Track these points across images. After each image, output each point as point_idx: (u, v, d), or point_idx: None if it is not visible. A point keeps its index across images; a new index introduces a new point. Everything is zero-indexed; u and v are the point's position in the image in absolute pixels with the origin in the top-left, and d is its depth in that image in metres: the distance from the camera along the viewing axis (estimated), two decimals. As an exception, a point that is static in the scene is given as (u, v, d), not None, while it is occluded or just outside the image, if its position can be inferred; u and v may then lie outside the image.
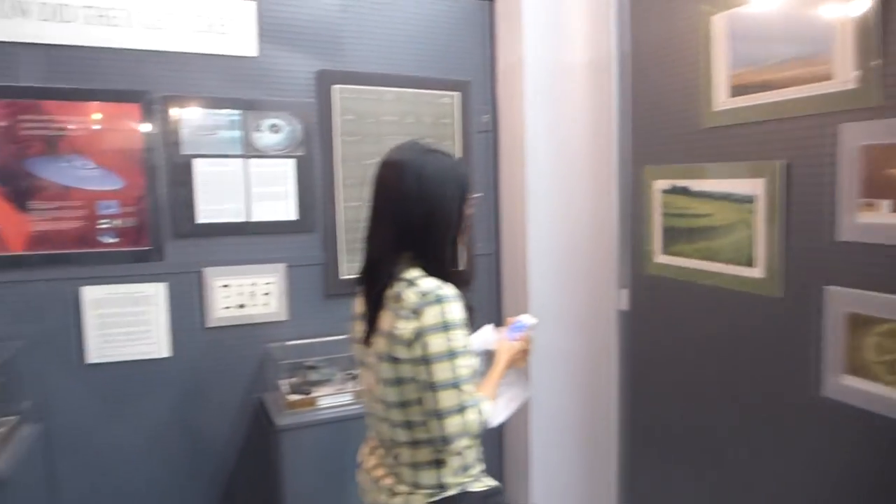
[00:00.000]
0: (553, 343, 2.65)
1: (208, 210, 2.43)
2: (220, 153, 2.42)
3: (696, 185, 2.20)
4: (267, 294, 2.53)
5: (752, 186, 1.96)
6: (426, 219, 1.36)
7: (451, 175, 1.39)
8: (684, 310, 2.30)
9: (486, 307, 2.89)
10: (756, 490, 2.06)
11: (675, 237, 2.30)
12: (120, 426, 2.41)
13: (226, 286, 2.47)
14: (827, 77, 1.72)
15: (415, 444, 1.39)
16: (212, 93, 2.41)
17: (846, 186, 1.68)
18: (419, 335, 1.28)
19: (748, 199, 1.98)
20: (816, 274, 1.79)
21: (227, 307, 2.48)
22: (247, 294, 2.50)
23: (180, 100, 2.36)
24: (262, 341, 2.55)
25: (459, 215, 1.41)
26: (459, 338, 1.30)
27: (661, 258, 2.38)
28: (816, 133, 1.76)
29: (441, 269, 1.37)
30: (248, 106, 2.46)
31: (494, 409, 1.44)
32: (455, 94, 2.80)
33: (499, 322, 1.91)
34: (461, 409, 1.29)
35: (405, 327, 1.29)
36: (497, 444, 2.95)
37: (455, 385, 1.28)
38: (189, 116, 2.38)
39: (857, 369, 1.66)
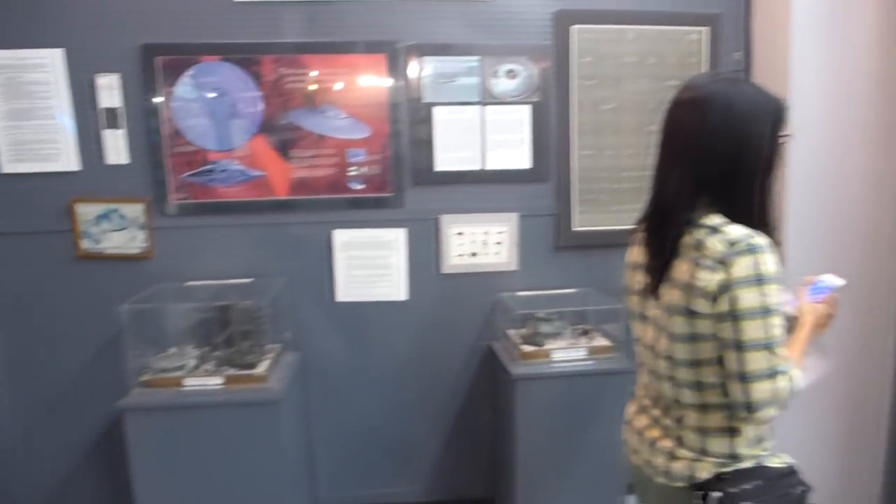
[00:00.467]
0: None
1: (445, 158, 2.45)
2: (459, 101, 2.42)
3: None
4: (499, 243, 2.52)
5: None
6: (734, 160, 1.20)
7: (765, 109, 1.21)
8: None
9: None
10: None
11: None
12: (361, 360, 2.58)
13: (460, 234, 2.50)
14: None
15: (704, 407, 1.26)
16: (452, 39, 2.41)
17: None
18: (727, 288, 1.14)
19: None
20: None
21: (461, 255, 2.52)
22: (479, 243, 2.52)
23: (422, 48, 2.39)
24: (492, 290, 2.56)
25: (771, 155, 1.22)
26: (773, 294, 1.14)
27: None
28: None
29: (747, 215, 1.21)
30: (486, 52, 2.41)
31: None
32: (703, 29, 2.52)
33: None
34: (772, 374, 1.14)
35: (709, 279, 1.16)
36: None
37: (767, 346, 1.13)
38: (430, 65, 2.40)
39: None
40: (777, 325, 1.14)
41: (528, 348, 2.33)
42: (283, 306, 2.47)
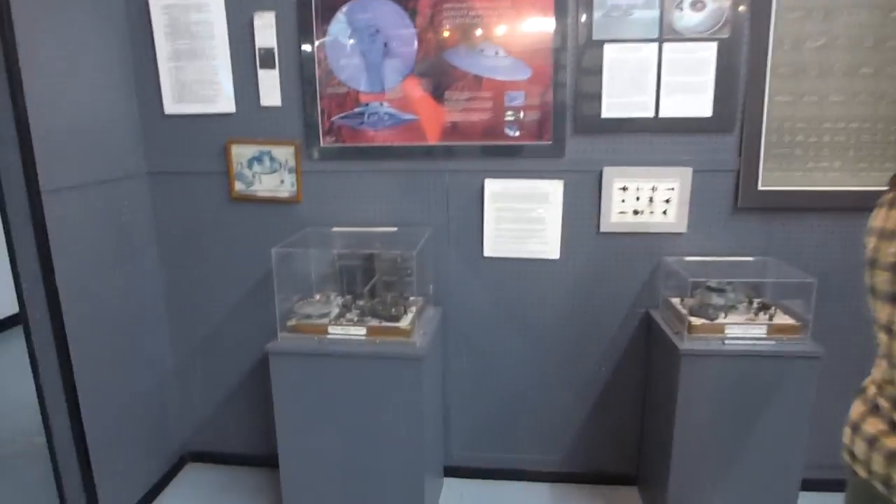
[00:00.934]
0: None
1: (614, 103, 2.19)
2: (633, 37, 2.14)
3: None
4: (667, 201, 2.25)
5: None
6: None
7: None
8: None
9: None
10: None
11: None
12: (505, 320, 2.44)
13: (623, 189, 2.25)
14: None
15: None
16: (629, -34, 2.12)
17: None
18: None
19: None
20: None
21: (623, 212, 2.27)
22: (644, 199, 2.25)
23: (594, -23, 2.12)
24: (656, 253, 2.30)
25: None
26: None
27: None
28: None
29: None
30: (668, -20, 2.10)
31: None
32: (946, -53, 2.04)
33: None
34: None
35: None
36: None
37: None
38: (602, -4, 2.13)
39: None
40: None
41: (697, 321, 2.06)
42: (428, 258, 2.36)
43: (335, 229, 2.40)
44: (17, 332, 4.23)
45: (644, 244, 2.30)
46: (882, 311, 1.17)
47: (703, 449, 2.07)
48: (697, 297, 2.15)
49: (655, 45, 2.13)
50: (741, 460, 2.07)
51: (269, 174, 2.41)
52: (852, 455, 1.23)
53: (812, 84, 2.11)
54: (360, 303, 2.27)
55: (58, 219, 1.99)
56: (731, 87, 2.14)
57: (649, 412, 2.38)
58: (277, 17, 2.27)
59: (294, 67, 2.30)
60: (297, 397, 2.13)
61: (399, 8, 2.20)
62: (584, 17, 2.14)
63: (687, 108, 2.17)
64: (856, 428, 1.23)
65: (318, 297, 2.33)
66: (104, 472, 2.22)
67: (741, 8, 2.09)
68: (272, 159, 2.40)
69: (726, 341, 2.02)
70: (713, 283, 2.15)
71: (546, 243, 2.33)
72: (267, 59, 2.31)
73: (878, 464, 1.14)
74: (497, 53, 2.19)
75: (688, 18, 2.11)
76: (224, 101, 2.36)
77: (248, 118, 2.37)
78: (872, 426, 1.18)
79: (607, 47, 2.15)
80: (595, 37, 2.15)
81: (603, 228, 2.29)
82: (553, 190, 2.28)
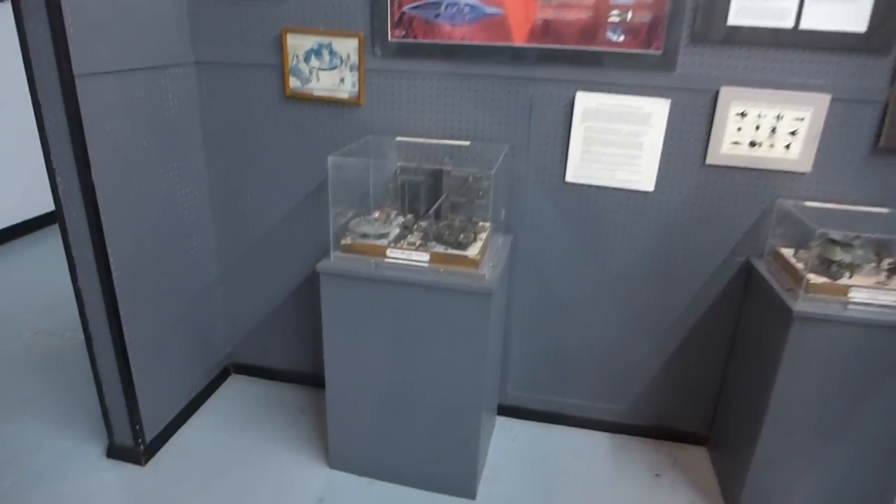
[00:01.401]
0: None
1: (745, 7, 1.79)
2: (784, -77, 1.71)
3: None
4: (792, 133, 1.88)
5: None
6: None
7: None
8: None
9: None
10: None
11: None
12: (584, 256, 2.17)
13: (742, 115, 1.89)
14: None
15: None
16: None
17: None
18: None
19: None
20: None
21: (737, 142, 1.92)
22: (765, 129, 1.89)
23: None
24: (771, 194, 1.97)
25: None
26: None
27: None
28: None
29: None
30: None
31: None
32: None
33: None
34: None
35: None
36: None
37: None
38: None
39: None
40: None
41: (817, 279, 1.75)
42: (502, 179, 2.08)
43: (399, 139, 2.13)
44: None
45: (757, 182, 1.96)
46: None
47: (801, 424, 1.81)
48: (816, 251, 1.83)
49: (812, -66, 1.71)
50: (844, 445, 1.82)
51: (329, 70, 2.13)
52: None
53: None
54: (423, 224, 2.03)
55: (94, 108, 1.76)
56: (900, -5, 1.72)
57: (736, 372, 2.12)
58: None
59: (363, -57, 1.96)
60: (348, 322, 1.94)
61: None
62: None
63: (837, 19, 1.76)
64: None
65: (376, 214, 2.10)
66: (145, 380, 2.11)
67: None
68: (332, 53, 2.10)
69: (850, 306, 1.72)
70: (838, 235, 1.82)
71: (640, 172, 2.01)
72: (332, -67, 1.97)
73: None
74: (609, -64, 1.80)
75: None
76: (281, -20, 2.05)
77: (307, 3, 2.06)
78: None
79: (749, -66, 1.73)
80: (735, -81, 1.73)
81: (710, 160, 1.96)
82: (657, 110, 1.93)
